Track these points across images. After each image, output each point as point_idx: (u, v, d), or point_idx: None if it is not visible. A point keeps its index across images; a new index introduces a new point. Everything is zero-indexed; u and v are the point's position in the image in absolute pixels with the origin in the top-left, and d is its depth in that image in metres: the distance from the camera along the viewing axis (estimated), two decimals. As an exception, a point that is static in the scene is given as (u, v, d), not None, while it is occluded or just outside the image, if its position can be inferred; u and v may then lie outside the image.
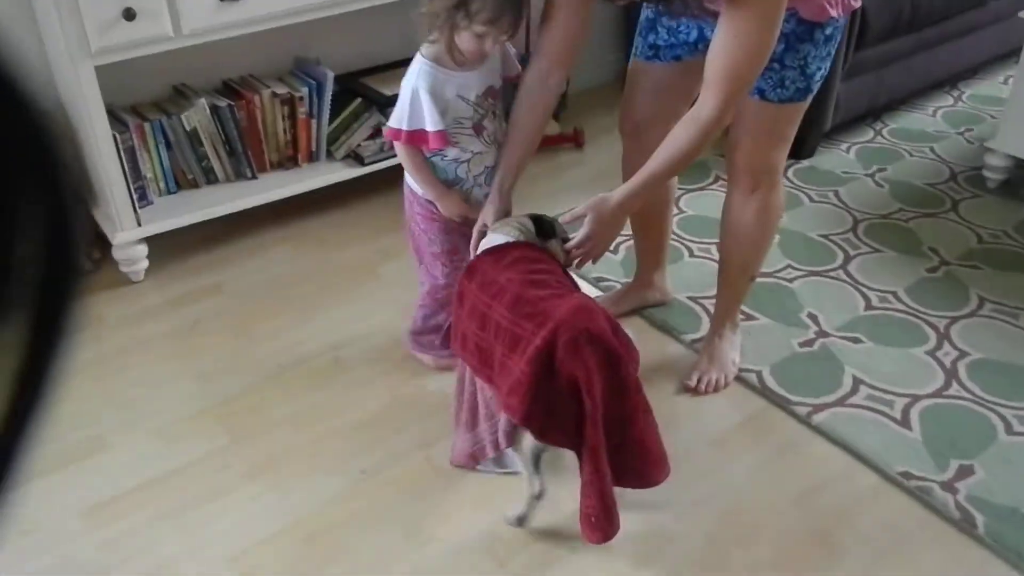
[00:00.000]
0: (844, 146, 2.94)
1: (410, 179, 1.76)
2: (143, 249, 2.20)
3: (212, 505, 1.61)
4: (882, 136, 3.02)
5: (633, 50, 1.80)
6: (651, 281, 2.12)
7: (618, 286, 2.20)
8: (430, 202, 1.73)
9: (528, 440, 1.46)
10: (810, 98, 1.66)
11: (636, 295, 2.13)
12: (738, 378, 1.92)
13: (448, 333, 1.84)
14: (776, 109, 1.65)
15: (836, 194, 2.65)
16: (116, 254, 2.18)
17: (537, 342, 1.34)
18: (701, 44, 1.64)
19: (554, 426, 1.38)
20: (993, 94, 3.30)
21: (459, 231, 1.77)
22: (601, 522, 1.42)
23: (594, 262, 1.66)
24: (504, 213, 1.67)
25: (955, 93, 3.33)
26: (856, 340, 2.03)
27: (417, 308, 1.92)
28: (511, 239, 1.55)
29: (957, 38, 3.15)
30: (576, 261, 1.61)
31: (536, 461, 1.49)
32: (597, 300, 1.61)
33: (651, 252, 2.10)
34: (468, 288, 1.51)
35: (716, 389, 1.90)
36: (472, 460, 1.67)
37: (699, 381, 1.90)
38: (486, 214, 1.66)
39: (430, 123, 1.59)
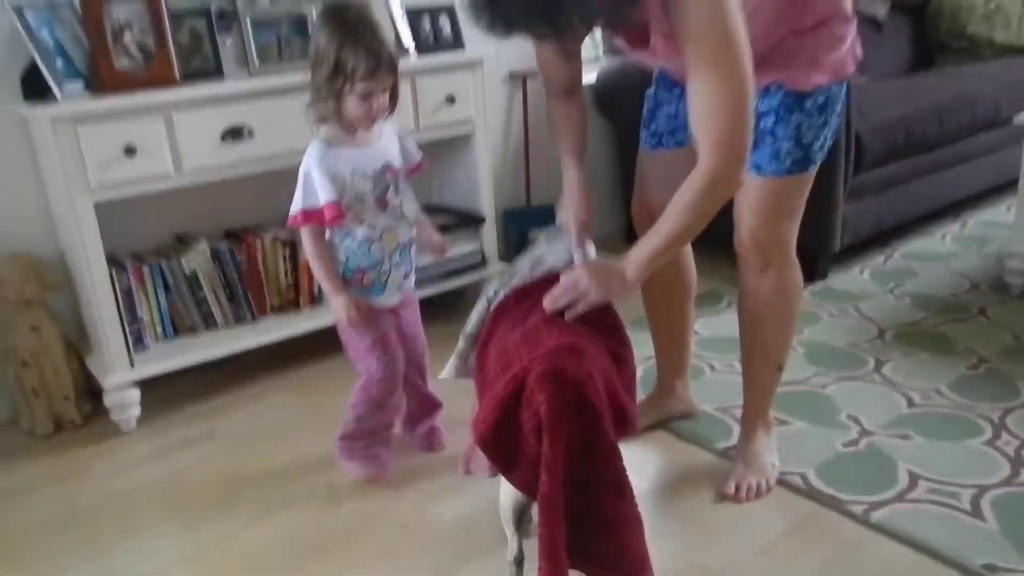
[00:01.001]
0: (857, 268, 2.89)
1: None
2: (135, 394, 2.09)
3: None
4: (893, 258, 2.97)
5: (640, 143, 1.80)
6: (674, 390, 1.98)
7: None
8: None
9: (507, 492, 1.28)
10: (813, 169, 1.61)
11: (659, 406, 1.98)
12: (780, 482, 1.73)
13: (382, 439, 1.81)
14: (776, 183, 1.60)
15: (857, 309, 2.56)
16: (108, 399, 2.07)
17: (516, 369, 1.21)
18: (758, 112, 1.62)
19: (516, 464, 1.20)
20: (998, 219, 3.29)
21: (386, 318, 1.75)
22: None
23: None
24: (592, 207, 1.60)
25: (960, 220, 3.32)
26: (905, 436, 1.85)
27: (349, 409, 1.80)
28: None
29: (954, 166, 3.20)
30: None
31: (518, 518, 1.30)
32: None
33: (673, 359, 1.98)
34: (511, 309, 1.43)
35: (758, 495, 1.71)
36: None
37: (738, 488, 1.71)
38: (578, 211, 1.58)
39: (323, 196, 1.62)
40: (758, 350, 1.75)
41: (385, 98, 1.63)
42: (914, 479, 1.70)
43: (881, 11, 3.73)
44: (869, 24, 3.69)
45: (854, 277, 2.82)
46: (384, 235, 1.71)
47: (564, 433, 1.16)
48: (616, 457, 1.22)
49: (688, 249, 1.85)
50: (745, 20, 1.32)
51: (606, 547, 1.24)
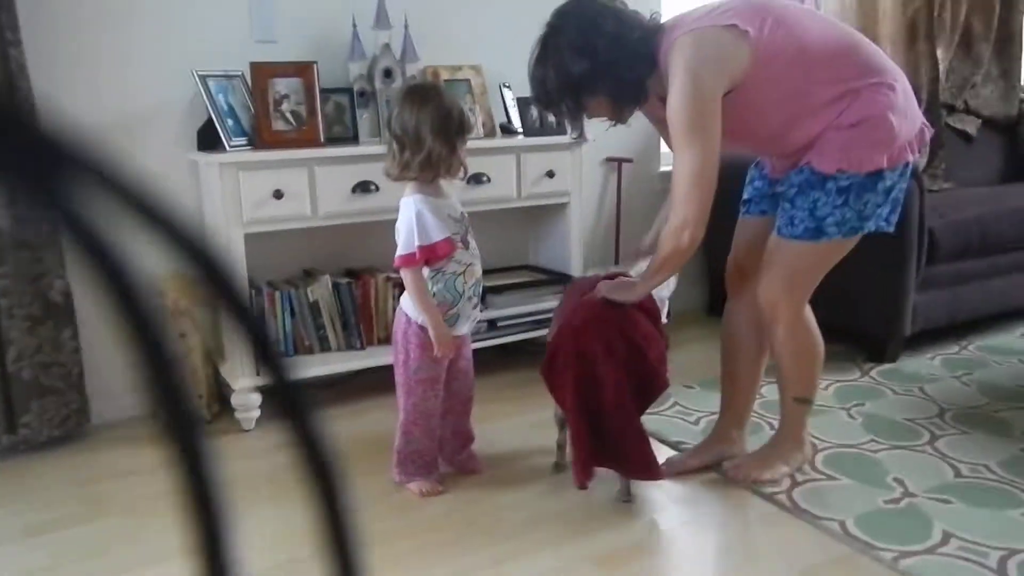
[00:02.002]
0: (929, 355, 2.99)
1: (407, 305, 2.00)
2: (257, 398, 2.44)
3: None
4: (968, 350, 3.06)
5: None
6: (730, 437, 2.18)
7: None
8: (422, 330, 1.96)
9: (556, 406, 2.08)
10: (824, 241, 1.84)
11: (714, 449, 2.18)
12: (819, 525, 1.88)
13: (431, 459, 2.09)
14: (787, 245, 1.88)
15: (921, 389, 2.67)
16: (234, 400, 2.42)
17: (556, 328, 2.01)
18: (776, 197, 1.97)
19: (555, 388, 1.95)
20: (1083, 323, 3.32)
21: (441, 363, 2.01)
22: (577, 469, 1.92)
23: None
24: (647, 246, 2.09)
25: (1042, 321, 3.37)
26: (946, 501, 1.97)
27: (399, 436, 2.06)
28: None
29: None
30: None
31: (561, 422, 2.11)
32: (674, 459, 2.18)
33: (735, 409, 2.19)
34: (571, 294, 2.13)
35: (745, 480, 2.04)
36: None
37: (737, 466, 2.07)
38: (639, 243, 2.14)
39: (437, 234, 1.92)
40: (780, 383, 2.06)
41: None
42: (947, 536, 1.81)
43: (972, 128, 3.89)
44: (960, 138, 3.86)
45: (924, 362, 2.92)
46: (466, 271, 1.99)
47: (572, 371, 1.88)
48: (611, 388, 1.85)
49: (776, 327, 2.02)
50: (757, 111, 1.80)
51: (617, 450, 1.90)
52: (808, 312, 2.00)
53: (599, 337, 1.88)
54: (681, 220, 1.79)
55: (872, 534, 1.83)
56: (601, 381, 1.86)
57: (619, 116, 1.93)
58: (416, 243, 1.91)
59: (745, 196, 2.12)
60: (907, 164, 1.86)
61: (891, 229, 1.93)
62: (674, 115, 1.76)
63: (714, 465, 2.15)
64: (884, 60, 1.86)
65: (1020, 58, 4.08)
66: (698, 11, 1.84)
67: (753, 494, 2.04)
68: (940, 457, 2.20)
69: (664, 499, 2.04)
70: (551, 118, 2.94)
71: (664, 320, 2.08)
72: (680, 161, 1.79)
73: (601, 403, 1.87)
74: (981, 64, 3.93)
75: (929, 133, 1.91)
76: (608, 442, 1.89)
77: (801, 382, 2.04)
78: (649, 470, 1.93)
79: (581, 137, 2.07)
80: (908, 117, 1.83)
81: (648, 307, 2.01)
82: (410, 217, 1.92)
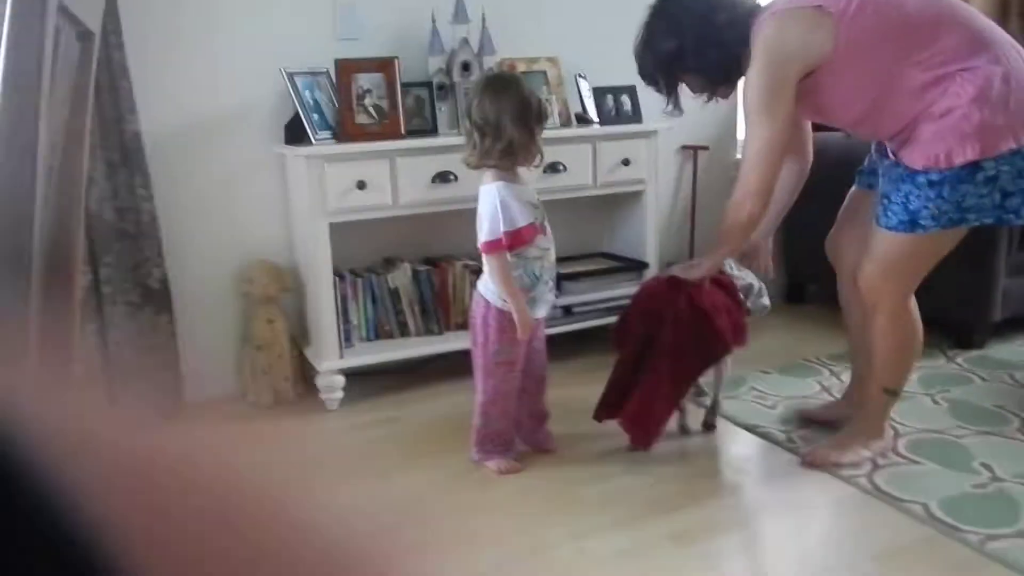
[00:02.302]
0: (1019, 342, 2.89)
1: (486, 290, 2.03)
2: (341, 380, 2.53)
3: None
4: (1063, 338, 2.95)
5: None
6: (854, 399, 2.22)
7: (774, 434, 2.24)
8: (502, 313, 1.99)
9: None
10: (919, 232, 1.80)
11: (842, 409, 2.25)
12: (901, 507, 1.85)
13: (510, 438, 2.14)
14: (883, 236, 1.86)
15: (1011, 376, 2.59)
16: (319, 381, 2.53)
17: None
18: (881, 173, 1.95)
19: (619, 340, 2.16)
20: None
21: (520, 346, 2.04)
22: (636, 428, 2.10)
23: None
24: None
25: None
26: (1036, 486, 1.91)
27: (478, 416, 2.10)
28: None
29: None
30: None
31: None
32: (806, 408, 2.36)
33: (860, 374, 2.19)
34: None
35: (824, 464, 2.02)
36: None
37: (812, 453, 2.06)
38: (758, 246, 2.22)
39: (522, 219, 1.95)
40: (872, 371, 2.01)
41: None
42: (1037, 521, 1.77)
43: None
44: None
45: (1014, 349, 2.83)
46: (544, 256, 2.03)
47: (637, 327, 2.10)
48: (669, 348, 2.02)
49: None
50: (839, 94, 1.85)
51: (632, 412, 2.09)
52: (913, 304, 1.96)
53: (667, 301, 2.04)
54: (743, 193, 1.91)
55: (957, 517, 1.80)
56: (662, 341, 2.02)
57: (715, 92, 2.04)
58: (502, 228, 1.95)
59: (861, 167, 2.15)
60: (1015, 151, 1.72)
61: (1021, 221, 1.82)
62: (747, 94, 1.87)
63: (837, 422, 2.20)
64: (991, 35, 1.77)
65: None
66: None
67: (833, 477, 2.02)
68: (1031, 443, 2.13)
69: (743, 480, 2.04)
70: (628, 107, 2.99)
71: (765, 304, 2.23)
72: (749, 138, 1.90)
73: (654, 360, 2.03)
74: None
75: None
76: (634, 394, 2.07)
77: (893, 373, 2.00)
78: (642, 435, 2.09)
79: (676, 110, 2.10)
80: (1012, 102, 1.71)
81: (722, 280, 2.12)
82: (494, 204, 1.96)
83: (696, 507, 1.90)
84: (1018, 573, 1.60)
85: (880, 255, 1.88)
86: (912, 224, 1.80)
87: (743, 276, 2.20)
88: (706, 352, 2.07)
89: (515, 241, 1.97)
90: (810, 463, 2.05)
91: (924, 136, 1.76)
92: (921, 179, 1.77)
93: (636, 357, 2.08)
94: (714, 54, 1.92)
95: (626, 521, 1.85)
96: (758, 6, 1.97)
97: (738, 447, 2.23)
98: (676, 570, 1.66)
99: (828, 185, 2.24)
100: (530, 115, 1.95)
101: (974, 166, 1.74)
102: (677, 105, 2.11)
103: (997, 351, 2.81)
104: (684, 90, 2.07)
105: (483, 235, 1.99)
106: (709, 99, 2.06)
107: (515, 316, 1.99)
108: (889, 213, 1.83)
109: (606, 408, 2.16)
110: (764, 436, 2.25)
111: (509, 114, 1.93)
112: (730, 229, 1.96)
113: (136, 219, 2.46)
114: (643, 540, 1.77)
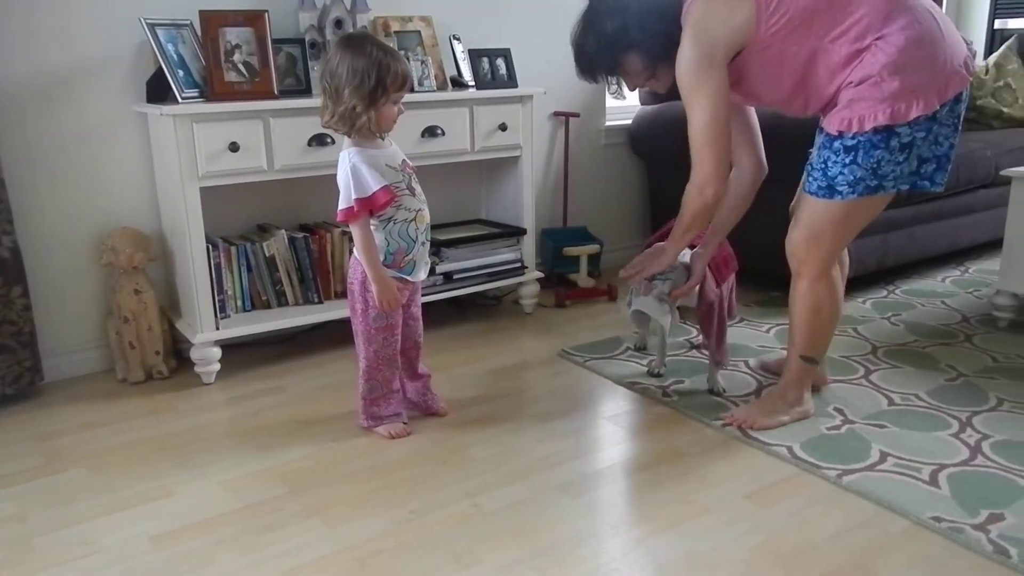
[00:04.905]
0: (861, 299, 3.17)
1: (359, 257, 2.01)
2: (217, 352, 2.44)
3: (269, 534, 1.70)
4: (895, 294, 3.25)
5: None
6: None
7: (652, 390, 2.36)
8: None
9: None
10: (838, 199, 1.89)
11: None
12: (769, 451, 2.01)
13: (395, 401, 2.13)
14: (808, 201, 1.97)
15: (855, 330, 2.85)
16: (194, 354, 2.42)
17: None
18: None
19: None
20: (996, 268, 3.54)
21: (399, 310, 2.04)
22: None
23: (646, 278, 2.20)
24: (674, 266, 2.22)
25: (962, 268, 3.60)
26: (881, 426, 2.12)
27: (362, 383, 2.10)
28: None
29: (955, 217, 3.48)
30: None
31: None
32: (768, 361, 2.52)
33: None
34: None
35: (741, 425, 2.12)
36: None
37: (733, 415, 2.15)
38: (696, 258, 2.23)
39: (374, 184, 1.91)
40: (791, 337, 2.12)
41: (402, 106, 1.98)
42: (884, 456, 1.97)
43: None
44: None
45: (856, 306, 3.10)
46: (416, 216, 2.01)
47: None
48: (718, 296, 2.28)
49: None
50: (767, 73, 1.90)
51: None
52: (835, 272, 2.06)
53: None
54: (702, 178, 1.93)
55: (817, 456, 1.97)
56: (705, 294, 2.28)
57: (655, 72, 2.03)
58: (354, 196, 1.91)
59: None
60: (929, 117, 1.80)
61: (938, 188, 1.92)
62: (680, 76, 1.90)
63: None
64: (909, 2, 1.81)
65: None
66: None
67: (706, 427, 2.16)
68: (875, 388, 2.36)
69: (622, 433, 2.15)
70: (503, 71, 3.00)
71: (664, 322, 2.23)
72: (690, 119, 1.91)
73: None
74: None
75: (966, 79, 1.83)
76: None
77: (811, 341, 2.09)
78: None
79: (620, 92, 2.12)
80: (925, 66, 1.77)
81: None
82: (346, 171, 1.92)
83: (582, 460, 1.99)
84: (870, 502, 1.79)
85: (804, 221, 1.98)
86: (830, 190, 1.89)
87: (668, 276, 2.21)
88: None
89: (371, 206, 1.92)
90: (730, 425, 2.12)
91: (840, 103, 1.85)
92: (837, 144, 1.86)
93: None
94: (657, 25, 1.94)
95: (517, 476, 1.91)
96: None
97: (617, 401, 2.34)
98: (567, 519, 1.74)
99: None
100: (372, 83, 1.87)
101: (888, 132, 1.80)
102: (621, 86, 2.11)
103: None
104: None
105: (339, 203, 1.95)
106: (647, 81, 2.05)
107: (373, 287, 1.98)
108: (811, 179, 1.94)
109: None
110: (642, 392, 2.37)
111: (350, 81, 1.88)
112: (696, 214, 1.99)
113: (-21, 183, 2.25)
114: (535, 493, 1.84)
